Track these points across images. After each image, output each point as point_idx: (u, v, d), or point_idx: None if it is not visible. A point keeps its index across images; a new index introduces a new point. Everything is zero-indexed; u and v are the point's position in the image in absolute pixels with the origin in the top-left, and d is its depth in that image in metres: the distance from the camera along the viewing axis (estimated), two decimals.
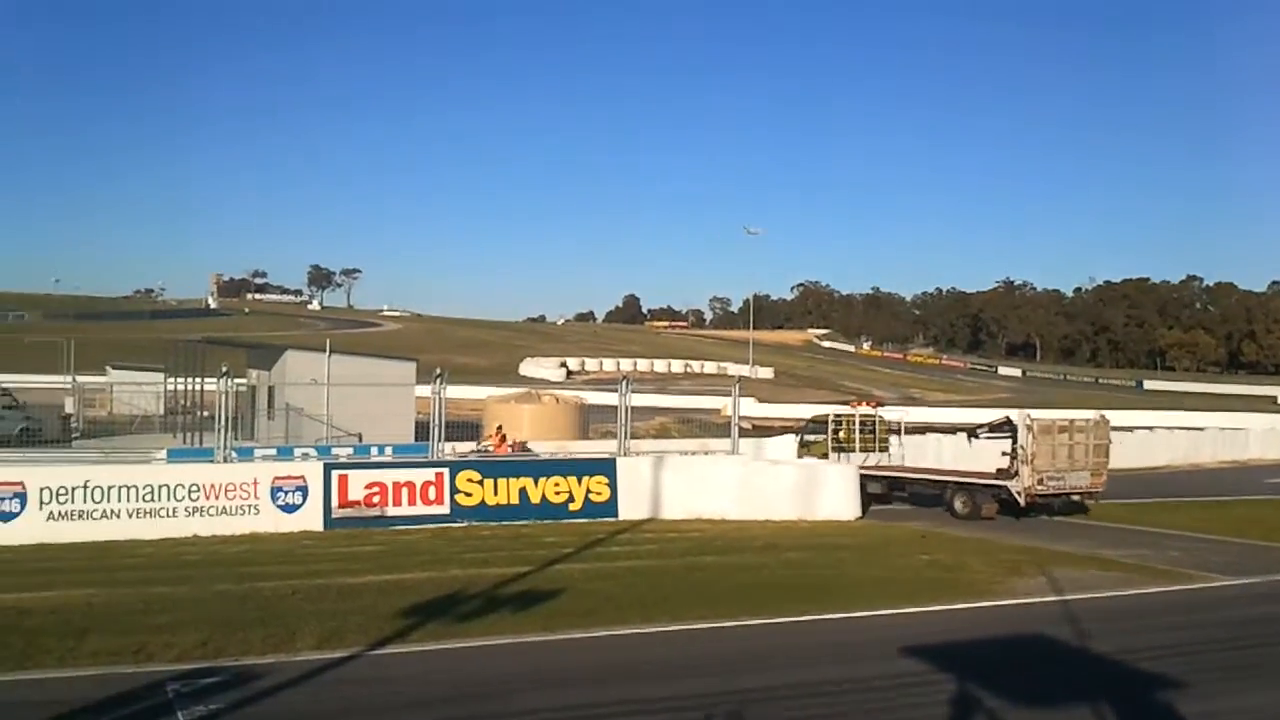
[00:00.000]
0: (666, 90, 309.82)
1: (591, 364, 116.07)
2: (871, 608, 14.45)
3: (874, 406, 30.23)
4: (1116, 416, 60.73)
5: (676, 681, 10.74)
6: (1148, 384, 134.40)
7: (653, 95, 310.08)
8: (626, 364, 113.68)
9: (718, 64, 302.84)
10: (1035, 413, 28.13)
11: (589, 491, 23.69)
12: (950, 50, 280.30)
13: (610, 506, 23.71)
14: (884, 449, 28.53)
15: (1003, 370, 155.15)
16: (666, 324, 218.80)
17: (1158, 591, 16.45)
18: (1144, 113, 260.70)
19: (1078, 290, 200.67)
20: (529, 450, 29.38)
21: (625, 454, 24.82)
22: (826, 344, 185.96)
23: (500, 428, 30.14)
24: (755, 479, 25.04)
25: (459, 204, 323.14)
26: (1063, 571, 17.55)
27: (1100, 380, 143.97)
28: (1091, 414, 28.85)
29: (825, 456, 27.56)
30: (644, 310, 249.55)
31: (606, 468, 24.20)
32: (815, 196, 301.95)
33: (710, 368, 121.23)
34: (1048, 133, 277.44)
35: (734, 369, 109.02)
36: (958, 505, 26.24)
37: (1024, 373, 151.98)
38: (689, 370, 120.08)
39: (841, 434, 28.24)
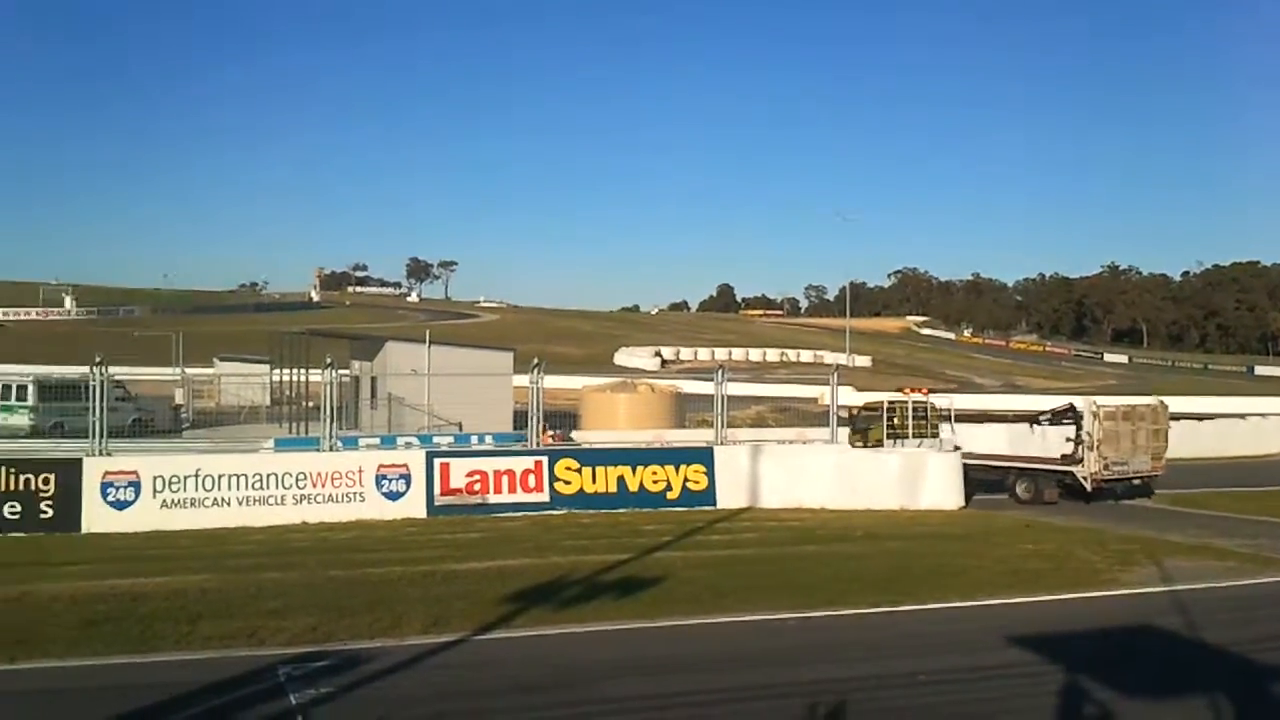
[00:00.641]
0: (760, 81, 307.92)
1: (686, 353, 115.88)
2: (977, 598, 14.22)
3: (925, 394, 29.86)
4: (1227, 403, 59.71)
5: (779, 669, 10.68)
6: (1259, 369, 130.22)
7: (747, 86, 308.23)
8: (721, 353, 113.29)
9: (811, 60, 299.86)
10: (1099, 400, 28.60)
11: (686, 480, 23.69)
12: (1057, 38, 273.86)
13: (708, 495, 23.69)
14: (934, 435, 28.26)
15: (1108, 357, 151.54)
16: (761, 313, 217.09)
17: (1275, 581, 15.95)
18: (1249, 91, 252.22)
19: (1185, 274, 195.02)
20: (572, 441, 29.61)
21: (722, 443, 24.80)
22: (926, 331, 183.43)
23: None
24: (855, 467, 24.83)
25: (553, 195, 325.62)
26: (1174, 561, 17.12)
27: (1209, 366, 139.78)
28: (1151, 400, 29.27)
29: (880, 444, 27.24)
30: (738, 299, 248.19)
31: (704, 456, 24.18)
32: (912, 183, 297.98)
33: (806, 356, 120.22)
34: (1152, 115, 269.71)
35: (830, 357, 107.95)
36: (1020, 490, 26.51)
37: (1130, 359, 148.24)
38: (785, 359, 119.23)
39: (896, 420, 27.92)
